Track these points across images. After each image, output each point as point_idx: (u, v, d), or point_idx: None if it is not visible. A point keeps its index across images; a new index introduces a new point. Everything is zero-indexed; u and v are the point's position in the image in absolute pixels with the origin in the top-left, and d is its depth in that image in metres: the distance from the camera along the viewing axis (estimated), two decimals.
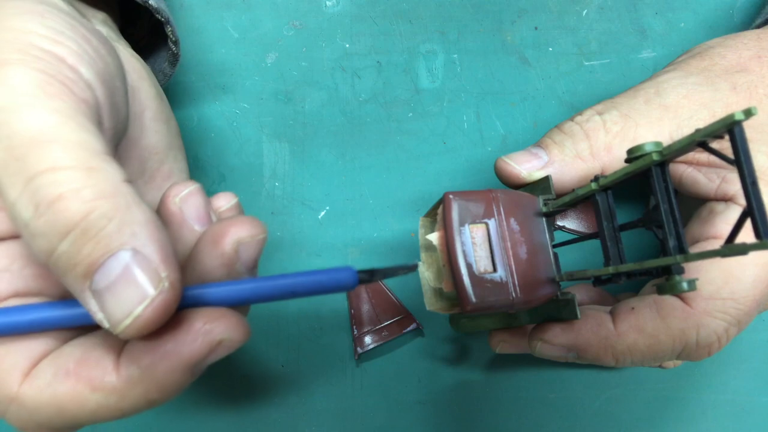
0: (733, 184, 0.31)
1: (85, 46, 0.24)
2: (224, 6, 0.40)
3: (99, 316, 0.20)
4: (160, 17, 0.31)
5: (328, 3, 0.41)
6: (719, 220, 0.31)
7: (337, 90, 0.41)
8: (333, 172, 0.41)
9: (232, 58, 0.40)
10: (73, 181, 0.19)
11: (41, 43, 0.22)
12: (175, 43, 0.33)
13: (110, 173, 0.20)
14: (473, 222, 0.28)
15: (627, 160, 0.26)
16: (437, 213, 0.30)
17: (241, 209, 0.28)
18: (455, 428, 0.40)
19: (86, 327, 0.23)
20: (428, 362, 0.40)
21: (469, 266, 0.27)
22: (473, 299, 0.27)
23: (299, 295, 0.22)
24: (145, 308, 0.19)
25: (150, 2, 0.30)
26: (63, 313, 0.22)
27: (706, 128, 0.22)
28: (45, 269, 0.23)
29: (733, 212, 0.31)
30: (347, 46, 0.41)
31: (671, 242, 0.24)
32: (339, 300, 0.40)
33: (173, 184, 0.26)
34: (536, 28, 0.42)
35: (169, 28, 0.32)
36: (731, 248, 0.21)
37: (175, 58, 0.34)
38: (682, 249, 0.24)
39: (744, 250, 0.20)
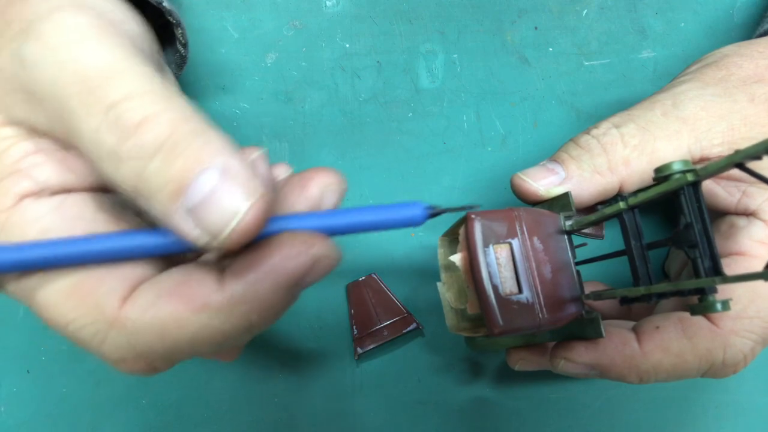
0: (755, 199, 0.30)
1: (125, 11, 0.25)
2: (224, 6, 0.40)
3: (195, 233, 0.20)
4: (171, 19, 0.31)
5: (328, 3, 0.41)
6: (742, 235, 0.30)
7: (337, 90, 0.41)
8: None
9: (232, 58, 0.40)
10: (153, 105, 0.20)
11: (91, 1, 0.23)
12: (184, 45, 0.33)
13: (183, 100, 0.21)
14: (497, 242, 0.27)
15: (655, 179, 0.25)
16: (458, 233, 0.29)
17: None
18: (455, 428, 0.40)
19: (168, 260, 0.23)
20: (428, 362, 0.40)
21: (495, 288, 0.26)
22: (501, 322, 0.26)
23: (372, 227, 0.24)
24: (243, 216, 0.20)
25: (164, 4, 0.30)
26: (150, 240, 0.22)
27: (746, 150, 0.21)
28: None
29: (757, 227, 0.30)
30: (347, 46, 0.41)
31: (706, 263, 0.24)
32: (339, 300, 0.40)
33: (243, 148, 0.27)
34: (536, 28, 0.42)
35: (180, 31, 0.32)
36: None
37: (182, 61, 0.34)
38: (717, 270, 0.24)
39: None
